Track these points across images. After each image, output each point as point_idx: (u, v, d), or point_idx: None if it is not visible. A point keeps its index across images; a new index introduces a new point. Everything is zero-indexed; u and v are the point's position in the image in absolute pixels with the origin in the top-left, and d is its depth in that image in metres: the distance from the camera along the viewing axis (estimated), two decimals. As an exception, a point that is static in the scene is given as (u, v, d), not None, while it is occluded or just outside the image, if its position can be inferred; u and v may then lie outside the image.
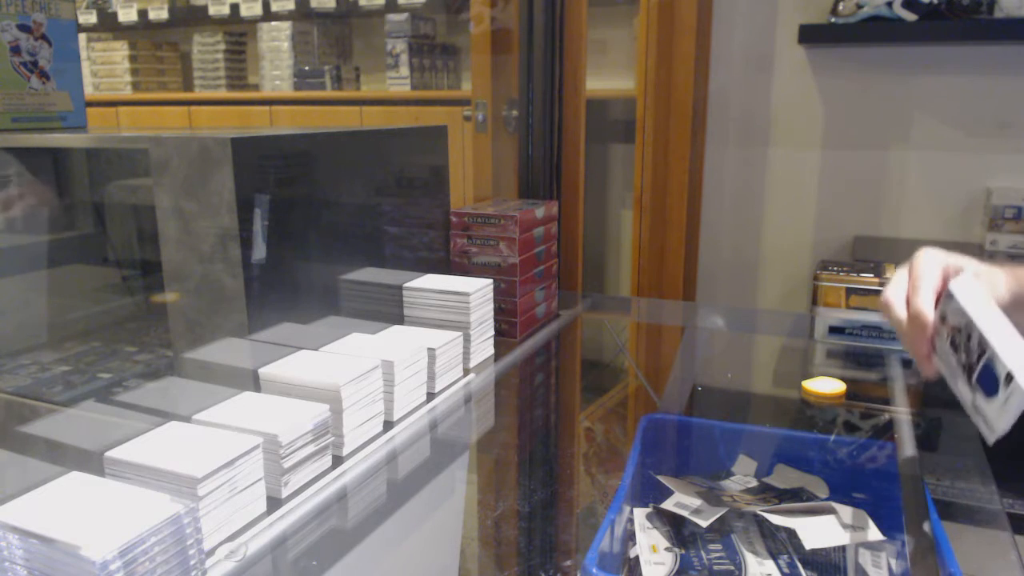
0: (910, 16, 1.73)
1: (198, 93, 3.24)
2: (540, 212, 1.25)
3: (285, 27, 2.96)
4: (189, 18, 3.19)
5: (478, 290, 1.06)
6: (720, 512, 0.70)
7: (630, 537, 0.71)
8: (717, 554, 0.68)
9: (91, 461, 0.65)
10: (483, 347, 1.10)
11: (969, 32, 1.73)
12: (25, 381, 1.00)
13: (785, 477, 0.80)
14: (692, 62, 1.89)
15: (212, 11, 3.06)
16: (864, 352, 1.21)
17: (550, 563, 0.68)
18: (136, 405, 0.93)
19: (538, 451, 0.96)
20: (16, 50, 1.10)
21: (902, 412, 0.95)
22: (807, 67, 1.99)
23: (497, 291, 1.17)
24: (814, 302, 1.24)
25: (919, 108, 1.90)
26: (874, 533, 0.67)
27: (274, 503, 0.71)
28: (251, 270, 0.80)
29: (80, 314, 1.21)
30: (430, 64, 2.79)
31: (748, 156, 2.10)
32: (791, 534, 0.68)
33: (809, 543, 0.65)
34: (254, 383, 0.83)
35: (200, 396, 0.83)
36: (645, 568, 0.66)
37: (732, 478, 0.81)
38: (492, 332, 1.12)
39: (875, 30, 1.79)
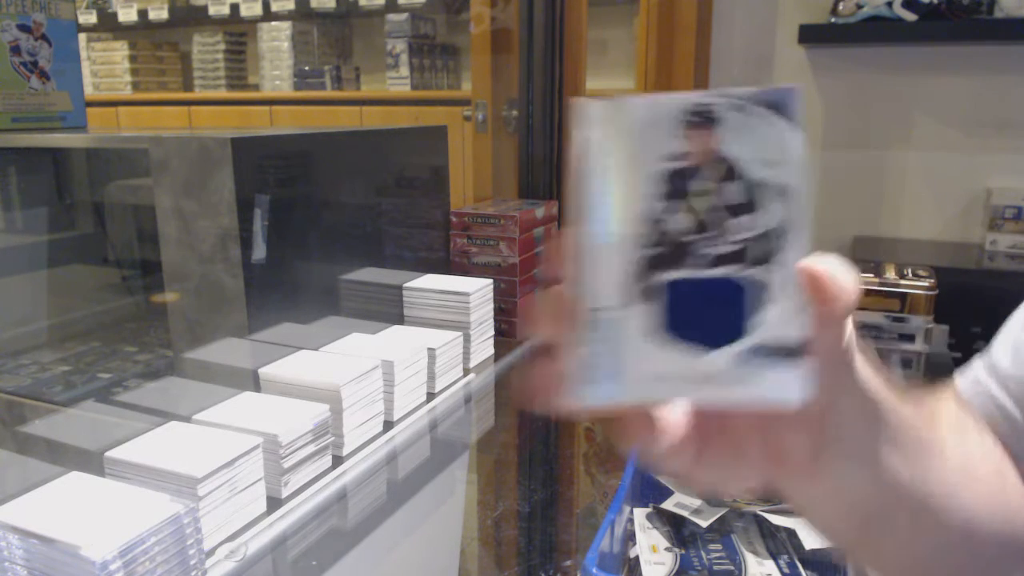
0: (910, 16, 1.73)
1: (198, 93, 3.24)
2: (540, 212, 1.25)
3: (285, 27, 2.96)
4: (189, 18, 3.19)
5: (478, 290, 1.06)
6: (720, 512, 0.70)
7: (630, 537, 0.71)
8: (717, 554, 0.68)
9: (91, 461, 0.65)
10: (483, 347, 1.10)
11: (969, 32, 1.73)
12: (25, 381, 1.00)
13: (785, 477, 0.80)
14: (692, 62, 1.89)
15: (212, 11, 3.06)
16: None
17: (550, 563, 0.68)
18: (136, 405, 0.93)
19: (538, 451, 0.96)
20: (16, 50, 1.10)
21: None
22: (807, 67, 1.99)
23: (497, 291, 1.17)
24: (814, 302, 1.24)
25: (919, 108, 1.90)
26: (874, 533, 0.67)
27: (274, 503, 0.71)
28: (251, 270, 0.80)
29: (80, 314, 1.21)
30: (430, 64, 2.79)
31: (748, 156, 2.10)
32: (791, 534, 0.68)
33: (809, 543, 0.65)
34: (254, 383, 0.83)
35: (200, 396, 0.83)
36: (645, 568, 0.66)
37: (732, 478, 0.81)
38: (492, 332, 1.12)
39: (875, 30, 1.79)
